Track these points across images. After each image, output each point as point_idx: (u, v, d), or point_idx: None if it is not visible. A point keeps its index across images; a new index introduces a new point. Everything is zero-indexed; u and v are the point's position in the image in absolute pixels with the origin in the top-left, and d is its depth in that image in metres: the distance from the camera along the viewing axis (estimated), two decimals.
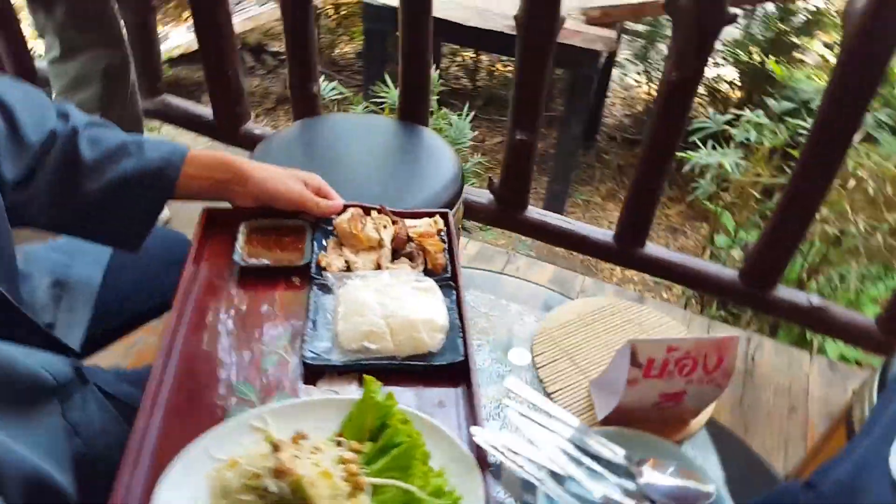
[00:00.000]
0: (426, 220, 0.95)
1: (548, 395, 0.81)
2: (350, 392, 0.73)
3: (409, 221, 0.94)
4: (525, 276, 1.93)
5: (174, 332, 0.77)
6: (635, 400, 0.72)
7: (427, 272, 0.87)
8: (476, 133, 3.99)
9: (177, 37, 4.05)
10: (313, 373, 0.75)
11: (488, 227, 2.43)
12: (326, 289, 0.84)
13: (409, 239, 0.90)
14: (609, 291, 2.01)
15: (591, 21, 2.92)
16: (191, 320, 0.81)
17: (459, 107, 4.28)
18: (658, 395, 0.73)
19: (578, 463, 0.67)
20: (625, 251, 1.73)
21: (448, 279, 0.87)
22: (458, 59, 4.65)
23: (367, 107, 2.44)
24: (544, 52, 1.48)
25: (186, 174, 0.88)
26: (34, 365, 0.67)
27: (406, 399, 0.73)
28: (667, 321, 0.94)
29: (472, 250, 2.10)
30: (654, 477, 0.68)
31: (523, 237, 2.11)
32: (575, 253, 2.86)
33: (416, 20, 1.55)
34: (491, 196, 1.79)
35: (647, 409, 0.74)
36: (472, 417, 0.71)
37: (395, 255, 0.90)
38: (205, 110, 1.95)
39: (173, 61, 4.11)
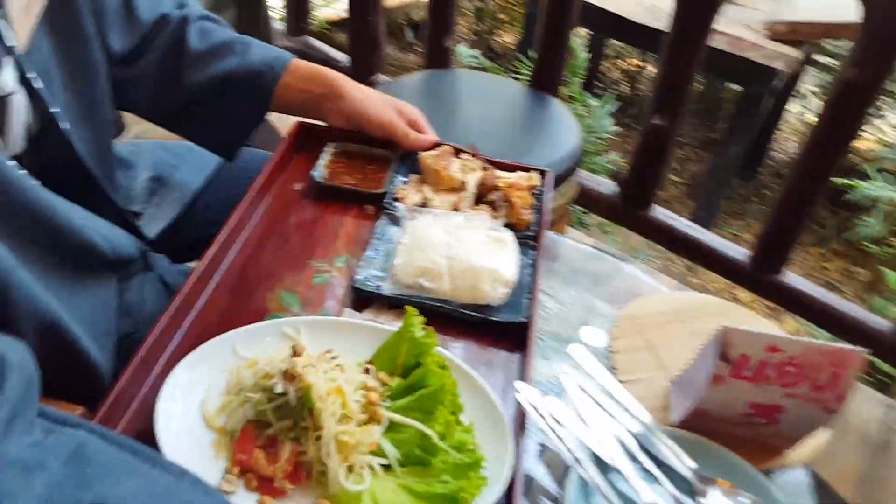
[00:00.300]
0: (520, 173, 0.87)
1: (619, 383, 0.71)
2: (394, 326, 0.67)
3: (499, 172, 0.86)
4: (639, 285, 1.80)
5: (237, 226, 0.76)
6: (719, 404, 0.61)
7: (509, 227, 0.79)
8: (623, 141, 3.81)
9: (338, 5, 4.21)
10: (361, 299, 0.71)
11: (609, 230, 2.28)
12: (395, 220, 0.79)
13: (496, 188, 0.83)
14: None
15: (775, 36, 2.65)
16: (258, 222, 0.79)
17: (617, 115, 4.11)
18: (748, 404, 0.60)
19: (633, 459, 0.57)
20: (759, 275, 1.52)
21: (530, 237, 0.79)
22: (622, 63, 4.46)
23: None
24: (700, 27, 1.33)
25: (285, 82, 0.87)
26: (101, 237, 0.68)
27: (451, 350, 0.66)
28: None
29: (584, 250, 1.98)
30: (718, 501, 0.56)
31: (646, 245, 1.95)
32: (705, 279, 2.64)
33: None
34: (615, 187, 1.66)
35: (732, 421, 0.62)
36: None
37: (478, 201, 0.83)
38: (342, 56, 1.98)
39: (329, 24, 4.29)
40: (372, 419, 0.55)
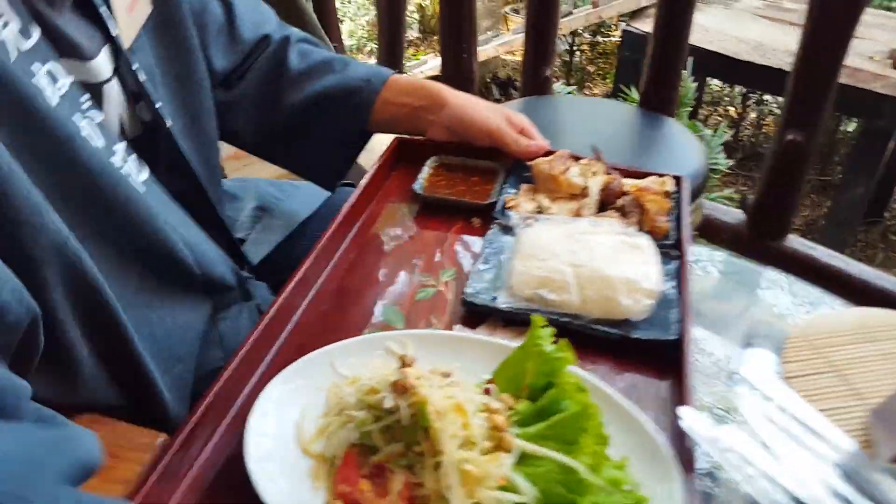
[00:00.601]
0: (652, 178, 0.77)
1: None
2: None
3: (629, 181, 0.77)
4: None
5: (334, 238, 0.69)
6: None
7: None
8: (734, 179, 3.59)
9: (433, 63, 4.33)
10: (473, 314, 0.62)
11: (732, 259, 2.09)
12: (507, 230, 0.70)
13: (624, 193, 0.73)
14: None
15: None
16: (356, 233, 0.73)
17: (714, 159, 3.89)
18: None
19: (846, 502, 0.43)
20: None
21: (671, 246, 0.68)
22: (721, 109, 4.30)
23: None
24: (844, 27, 1.19)
25: (383, 98, 0.83)
26: (192, 255, 0.64)
27: (584, 364, 0.55)
28: None
29: (710, 283, 1.80)
30: None
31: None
32: None
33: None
34: (742, 215, 1.50)
35: None
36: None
37: (603, 208, 0.73)
38: None
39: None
40: (499, 447, 0.45)
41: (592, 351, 0.58)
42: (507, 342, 0.54)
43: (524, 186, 0.78)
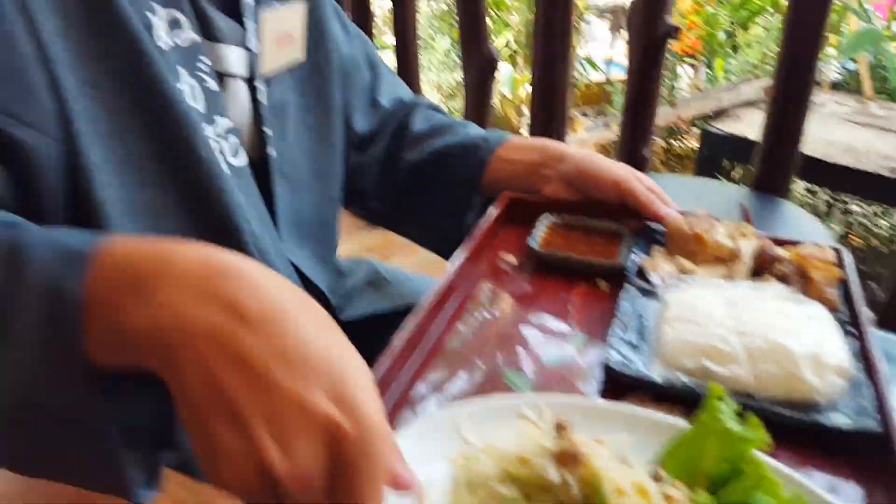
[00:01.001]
0: (812, 244, 0.67)
1: None
2: None
3: (783, 249, 0.67)
4: None
5: (443, 295, 0.61)
6: None
7: None
8: None
9: None
10: (615, 386, 0.51)
11: None
12: (648, 293, 0.61)
13: (781, 259, 0.63)
14: None
15: None
16: (467, 293, 0.65)
17: None
18: None
19: None
20: None
21: (845, 322, 0.57)
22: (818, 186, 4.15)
23: None
24: None
25: (499, 155, 0.80)
26: (268, 264, 0.58)
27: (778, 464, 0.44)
28: None
29: None
30: None
31: None
32: None
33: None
34: (871, 314, 1.36)
35: None
36: None
37: (756, 275, 0.63)
38: None
39: None
40: None
41: (774, 438, 0.47)
42: (675, 419, 0.44)
43: (657, 249, 0.69)
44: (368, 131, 0.86)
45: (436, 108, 0.91)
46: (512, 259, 0.71)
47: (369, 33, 2.17)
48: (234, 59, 0.61)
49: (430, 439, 0.42)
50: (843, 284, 0.62)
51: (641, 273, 0.64)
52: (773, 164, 1.36)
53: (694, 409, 0.42)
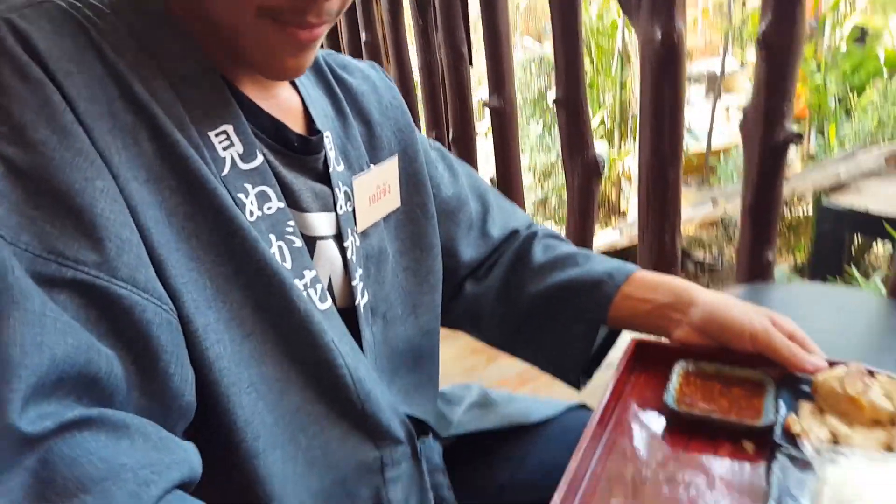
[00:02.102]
0: None
1: None
2: None
3: None
4: None
5: (576, 476, 0.62)
6: None
7: None
8: None
9: (604, 237, 4.38)
10: None
11: None
12: (801, 463, 0.60)
13: None
14: None
15: None
16: (599, 466, 0.66)
17: None
18: None
19: None
20: None
21: None
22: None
23: None
24: None
25: (625, 292, 0.82)
26: (366, 395, 0.67)
27: None
28: None
29: None
30: None
31: None
32: None
33: None
34: None
35: None
36: None
37: None
38: None
39: None
40: None
41: None
42: None
43: (805, 406, 0.68)
44: (478, 260, 0.92)
45: (555, 236, 0.95)
46: (647, 419, 0.72)
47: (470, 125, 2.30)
48: (320, 224, 0.68)
49: None
50: None
51: (790, 436, 0.63)
52: None
53: None
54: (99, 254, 0.48)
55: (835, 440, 0.63)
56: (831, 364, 0.71)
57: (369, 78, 0.83)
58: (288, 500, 0.60)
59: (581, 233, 1.99)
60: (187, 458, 0.49)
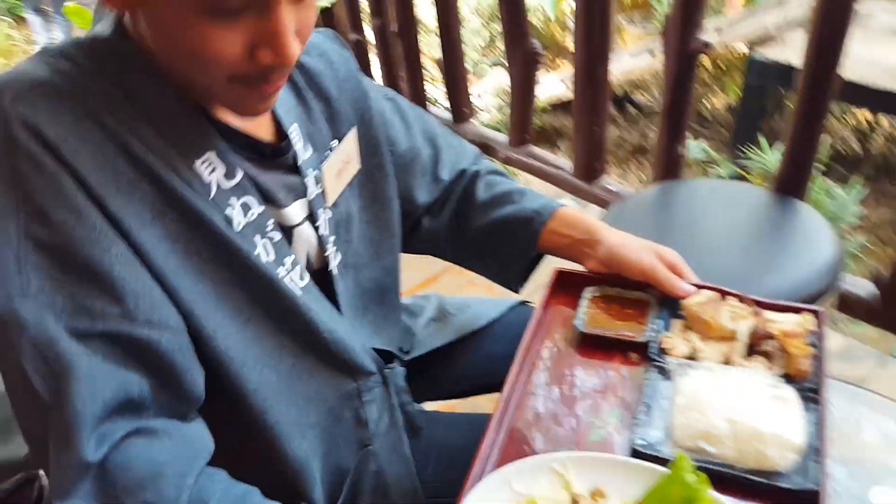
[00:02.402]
0: (793, 316, 0.91)
1: None
2: None
3: (771, 315, 0.91)
4: None
5: (507, 397, 0.88)
6: None
7: (786, 378, 0.84)
8: (861, 208, 3.54)
9: (549, 86, 4.48)
10: (640, 459, 0.78)
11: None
12: (665, 373, 0.87)
13: (770, 336, 0.88)
14: None
15: None
16: (527, 388, 0.91)
17: (841, 172, 3.87)
18: None
19: None
20: None
21: (810, 390, 0.83)
22: (849, 118, 4.22)
23: (733, 169, 2.39)
24: None
25: (549, 228, 1.03)
26: (342, 346, 0.86)
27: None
28: None
29: (835, 345, 1.94)
30: None
31: None
32: None
33: (820, 82, 1.49)
34: (874, 290, 1.60)
35: None
36: None
37: (751, 351, 0.88)
38: (565, 162, 2.20)
39: (549, 106, 4.61)
40: None
41: (745, 496, 0.74)
42: (657, 467, 0.72)
43: (676, 324, 0.94)
44: (432, 202, 1.11)
45: (496, 172, 1.14)
46: (564, 333, 0.97)
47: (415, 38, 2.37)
48: (294, 213, 0.83)
49: (491, 493, 0.71)
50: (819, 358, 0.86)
51: (662, 351, 0.90)
52: (794, 163, 1.55)
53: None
54: (120, 307, 0.64)
55: (693, 355, 0.89)
56: (700, 287, 0.96)
57: (325, 53, 0.95)
58: (293, 433, 0.83)
59: (522, 118, 2.17)
60: (204, 443, 0.70)
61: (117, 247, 0.65)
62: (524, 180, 3.12)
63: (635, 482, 0.72)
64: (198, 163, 0.72)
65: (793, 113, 1.55)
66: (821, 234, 1.36)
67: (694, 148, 2.31)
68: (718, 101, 4.97)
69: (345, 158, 0.94)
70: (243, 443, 0.80)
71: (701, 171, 3.93)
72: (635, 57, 4.17)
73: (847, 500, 0.78)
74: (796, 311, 0.93)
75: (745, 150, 2.35)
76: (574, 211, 1.06)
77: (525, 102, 2.16)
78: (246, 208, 0.76)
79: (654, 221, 1.46)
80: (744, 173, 2.38)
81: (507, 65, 2.12)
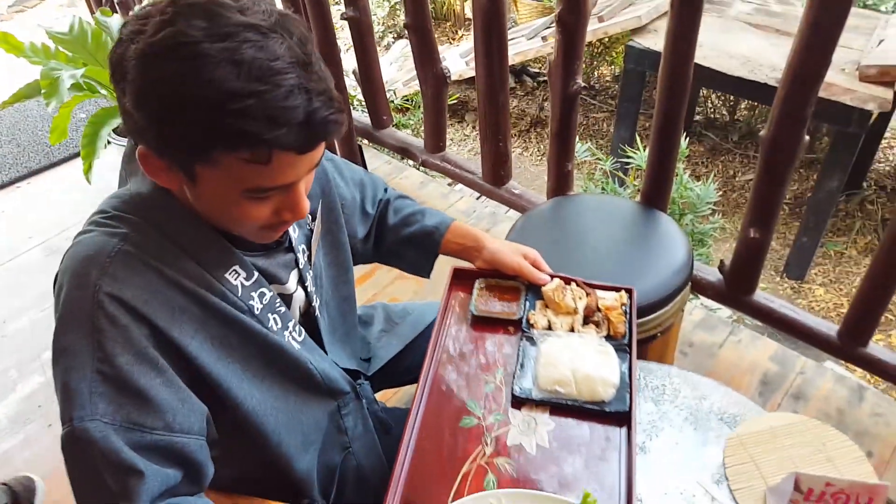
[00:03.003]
0: (613, 294, 1.34)
1: (731, 490, 1.11)
2: (542, 417, 1.15)
3: (599, 293, 1.34)
4: (746, 351, 2.21)
5: (431, 359, 1.26)
6: None
7: (608, 337, 1.27)
8: (722, 181, 4.12)
9: (450, 61, 4.82)
10: (518, 401, 1.18)
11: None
12: (532, 341, 1.27)
13: (598, 309, 1.30)
14: (828, 376, 2.15)
15: (864, 78, 2.98)
16: (441, 356, 1.29)
17: (713, 139, 4.44)
18: None
19: None
20: (846, 348, 1.92)
21: (625, 345, 1.25)
22: (720, 92, 4.81)
23: (614, 162, 2.83)
24: (788, 159, 1.71)
25: (446, 238, 1.42)
26: (320, 372, 1.14)
27: (582, 430, 1.13)
28: (846, 445, 1.15)
29: (697, 316, 2.39)
30: None
31: None
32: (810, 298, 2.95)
33: (677, 70, 1.77)
34: (720, 276, 2.10)
35: None
36: (629, 453, 1.08)
37: (586, 321, 1.30)
38: (476, 167, 2.65)
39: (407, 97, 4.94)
40: None
41: (586, 418, 1.15)
42: (569, 500, 0.99)
43: (539, 304, 1.34)
44: (366, 232, 1.43)
45: (402, 197, 1.50)
46: (462, 316, 1.36)
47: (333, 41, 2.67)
48: (290, 284, 1.11)
49: None
50: (629, 322, 1.29)
51: (529, 324, 1.30)
52: (656, 181, 2.00)
53: (552, 409, 1.11)
54: (163, 421, 0.87)
55: (549, 325, 1.29)
56: (553, 276, 1.37)
57: None
58: (299, 453, 1.12)
59: (436, 128, 2.62)
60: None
61: (165, 374, 0.89)
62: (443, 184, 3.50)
63: None
64: (227, 274, 0.98)
65: (654, 126, 1.93)
66: (677, 240, 1.76)
67: (580, 150, 2.74)
68: (608, 70, 5.48)
69: (317, 227, 1.22)
70: (263, 466, 1.11)
71: (588, 168, 4.43)
72: (530, 40, 4.59)
73: (690, 452, 1.21)
74: (616, 290, 1.36)
75: (623, 149, 2.81)
76: (462, 225, 1.45)
77: (438, 114, 2.58)
78: (262, 296, 1.03)
79: (549, 235, 1.82)
80: (621, 175, 2.86)
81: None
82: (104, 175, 2.72)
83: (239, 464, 1.12)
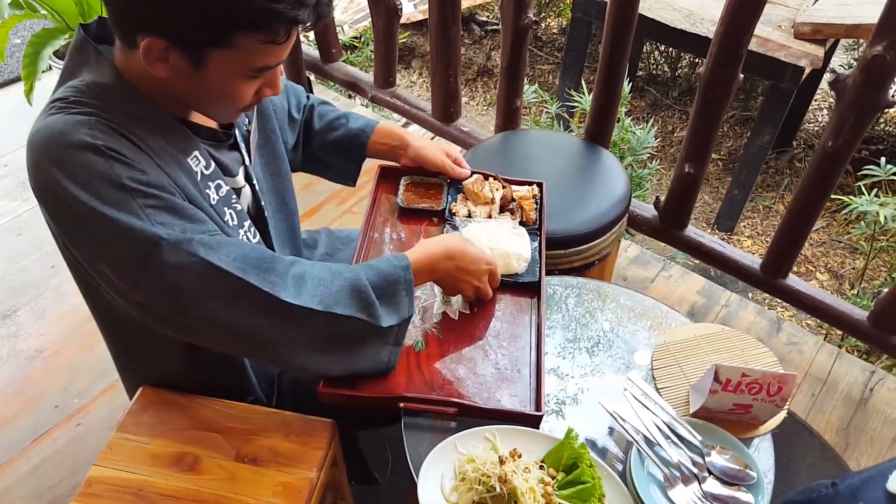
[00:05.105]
0: (527, 187, 1.60)
1: (658, 389, 1.32)
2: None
3: (514, 187, 1.59)
4: (676, 285, 2.52)
5: (360, 247, 1.47)
6: (715, 405, 1.20)
7: (522, 223, 1.53)
8: (660, 134, 4.42)
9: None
10: None
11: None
12: (455, 227, 1.51)
13: (513, 199, 1.55)
14: (750, 309, 2.46)
15: (799, 35, 3.30)
16: (371, 240, 1.51)
17: (654, 94, 4.74)
18: (732, 404, 1.19)
19: (667, 437, 1.16)
20: (768, 280, 2.23)
21: (536, 229, 1.51)
22: (662, 48, 5.13)
23: (560, 105, 3.07)
24: (724, 96, 1.98)
25: (372, 140, 1.62)
26: None
27: (499, 299, 1.38)
28: (762, 351, 1.37)
29: (632, 253, 2.70)
30: (717, 458, 1.14)
31: None
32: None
33: (621, 21, 2.04)
34: (655, 212, 2.39)
35: (724, 413, 1.21)
36: (538, 318, 1.33)
37: (502, 209, 1.55)
38: (425, 105, 2.86)
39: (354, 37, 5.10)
40: (550, 502, 1.05)
41: (502, 290, 1.39)
42: (556, 437, 1.14)
43: (460, 196, 1.58)
44: (295, 140, 1.59)
45: (324, 103, 1.66)
46: (389, 209, 1.58)
47: None
48: (240, 178, 1.25)
49: (443, 454, 1.09)
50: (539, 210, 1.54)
51: (452, 214, 1.53)
52: (600, 118, 2.25)
53: None
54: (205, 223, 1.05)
55: (469, 214, 1.53)
56: (473, 173, 1.61)
57: None
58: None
59: (386, 62, 2.82)
60: None
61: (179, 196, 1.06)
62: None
63: (540, 445, 1.12)
64: (189, 159, 1.11)
65: (599, 67, 2.17)
66: (617, 174, 2.01)
67: (528, 92, 2.98)
68: (555, 22, 5.75)
69: (255, 130, 1.35)
70: (215, 358, 1.27)
71: (536, 110, 4.69)
72: None
73: (620, 360, 1.47)
74: (529, 184, 1.62)
75: (569, 93, 3.05)
76: (389, 124, 1.65)
77: (389, 48, 2.76)
78: (218, 188, 1.16)
79: (496, 167, 1.88)
80: (566, 116, 3.09)
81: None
82: (45, 99, 2.74)
83: (194, 347, 1.25)
